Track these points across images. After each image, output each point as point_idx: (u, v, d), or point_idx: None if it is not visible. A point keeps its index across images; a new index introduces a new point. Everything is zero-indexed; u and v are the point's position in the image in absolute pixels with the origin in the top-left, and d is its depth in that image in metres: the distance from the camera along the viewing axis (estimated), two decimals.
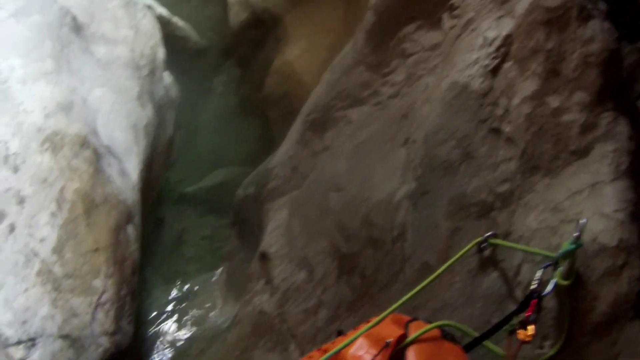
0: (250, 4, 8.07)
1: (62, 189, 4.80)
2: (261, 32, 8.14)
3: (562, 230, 3.31)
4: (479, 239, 3.52)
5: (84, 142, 5.07)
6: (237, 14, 8.34)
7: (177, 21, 8.07)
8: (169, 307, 6.34)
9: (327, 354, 2.73)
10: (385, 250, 4.21)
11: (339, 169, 4.85)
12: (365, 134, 4.86)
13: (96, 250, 4.79)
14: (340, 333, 3.10)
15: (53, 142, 4.93)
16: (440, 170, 4.07)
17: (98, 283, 4.72)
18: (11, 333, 4.40)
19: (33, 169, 4.78)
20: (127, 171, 5.41)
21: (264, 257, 5.13)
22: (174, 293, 6.53)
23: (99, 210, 4.94)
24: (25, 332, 4.41)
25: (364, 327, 2.83)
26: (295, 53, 7.49)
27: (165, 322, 6.21)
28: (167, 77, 6.96)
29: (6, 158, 4.77)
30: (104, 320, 4.70)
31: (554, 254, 3.10)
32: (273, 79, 7.75)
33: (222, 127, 8.37)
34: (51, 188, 4.78)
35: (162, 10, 7.72)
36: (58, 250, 4.64)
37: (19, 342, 4.39)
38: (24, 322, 4.42)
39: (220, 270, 6.50)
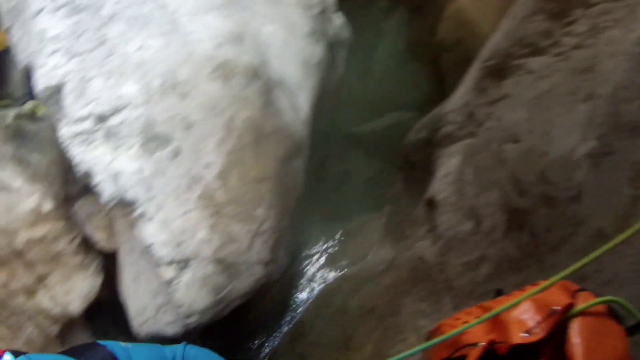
0: None
1: (231, 117, 4.83)
2: None
3: None
4: None
5: (255, 74, 5.08)
6: None
7: None
8: (324, 244, 6.35)
9: (491, 312, 2.65)
10: (559, 211, 4.04)
11: (516, 119, 4.67)
12: (545, 85, 4.63)
13: (261, 179, 4.82)
14: (499, 292, 3.01)
15: (224, 72, 4.95)
16: (625, 131, 3.87)
17: (260, 212, 4.76)
18: (165, 253, 4.53)
19: (202, 96, 4.83)
20: (297, 106, 5.40)
21: (431, 203, 5.04)
22: (331, 231, 6.53)
23: (267, 140, 4.96)
24: (180, 254, 4.53)
25: (530, 289, 2.71)
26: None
27: (319, 259, 6.23)
28: (338, 18, 6.86)
29: (174, 86, 4.82)
30: (260, 249, 4.76)
31: None
32: (446, 25, 7.55)
33: (392, 71, 8.25)
34: (220, 116, 4.81)
35: None
36: (223, 176, 4.69)
37: (171, 262, 4.51)
38: (180, 244, 4.53)
39: (381, 212, 6.42)
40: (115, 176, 4.54)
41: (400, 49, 8.53)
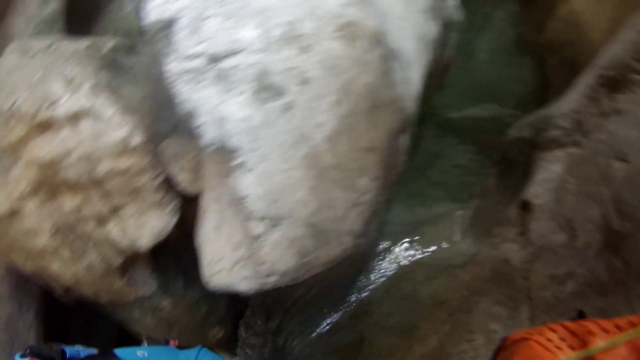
0: None
1: (350, 80, 4.66)
2: None
3: None
4: None
5: (377, 39, 4.93)
6: None
7: None
8: (404, 227, 6.26)
9: (582, 352, 2.51)
10: None
11: (628, 137, 4.52)
12: None
13: (370, 149, 4.66)
14: (581, 315, 2.88)
15: (348, 32, 4.79)
16: None
17: (363, 182, 4.63)
18: (258, 207, 4.40)
19: (323, 54, 4.67)
20: (410, 80, 5.23)
21: (526, 206, 4.92)
22: (413, 214, 6.43)
23: (382, 110, 4.78)
24: (274, 211, 4.40)
25: (621, 323, 2.56)
26: (583, 3, 7.05)
27: (397, 240, 6.15)
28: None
29: (295, 38, 4.68)
30: (355, 220, 4.63)
31: None
32: (556, 25, 7.36)
33: (495, 62, 8.08)
34: (339, 76, 4.65)
35: None
36: (332, 140, 4.53)
37: (263, 218, 4.41)
38: (276, 201, 4.41)
39: (468, 204, 6.32)
40: (221, 120, 4.44)
41: (506, 41, 8.36)
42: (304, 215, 4.41)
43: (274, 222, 4.36)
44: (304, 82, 4.45)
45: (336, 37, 4.60)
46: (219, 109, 4.41)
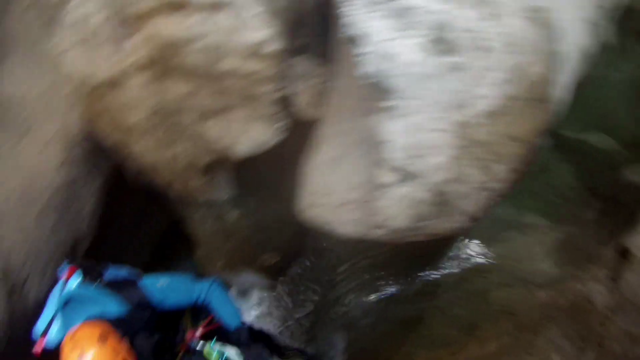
0: None
1: (525, 64, 4.47)
2: None
3: None
4: None
5: (559, 36, 4.74)
6: None
7: None
8: (493, 225, 6.12)
9: None
10: None
11: None
12: None
13: (519, 140, 4.49)
14: None
15: (538, 16, 4.60)
16: None
17: (499, 169, 4.45)
18: (395, 157, 4.27)
19: (508, 27, 4.38)
20: (566, 87, 5.10)
21: (625, 253, 4.77)
22: (505, 215, 6.31)
23: (540, 105, 4.57)
24: (409, 166, 4.27)
25: None
26: None
27: (483, 236, 6.04)
28: (611, 26, 6.54)
29: (487, 2, 4.53)
30: (478, 203, 4.47)
31: None
32: None
33: (624, 98, 7.89)
34: (516, 56, 4.41)
35: None
36: (490, 116, 4.33)
37: (395, 170, 4.29)
38: (414, 157, 4.26)
39: (560, 227, 6.19)
40: (388, 57, 4.27)
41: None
42: (436, 181, 4.28)
43: (405, 177, 4.23)
44: (482, 49, 4.29)
45: (525, 17, 4.44)
46: (388, 44, 4.24)
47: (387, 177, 4.25)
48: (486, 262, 5.79)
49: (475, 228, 5.88)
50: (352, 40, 4.32)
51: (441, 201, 4.33)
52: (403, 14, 4.30)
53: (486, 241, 5.89)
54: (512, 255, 5.83)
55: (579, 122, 7.17)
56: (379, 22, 4.30)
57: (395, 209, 4.29)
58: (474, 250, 5.85)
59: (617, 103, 7.48)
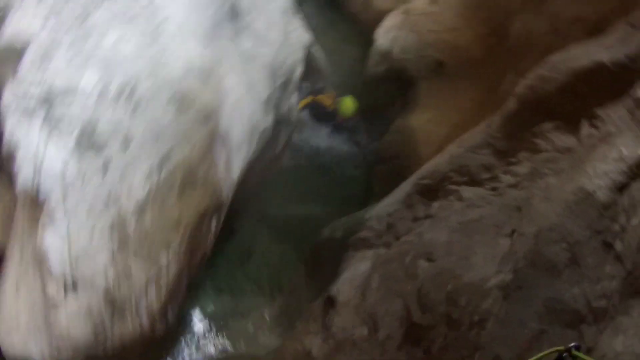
0: (391, 58, 8.01)
1: (170, 150, 4.64)
2: (392, 90, 8.12)
3: None
4: (561, 347, 3.31)
5: (208, 115, 4.93)
6: (375, 64, 8.32)
7: (317, 51, 8.00)
8: (213, 317, 6.18)
9: None
10: (460, 333, 4.02)
11: (436, 239, 4.70)
12: (474, 215, 4.72)
13: (176, 226, 4.62)
14: None
15: (181, 102, 4.78)
16: (542, 269, 3.95)
17: (164, 257, 4.55)
18: (59, 267, 4.28)
19: (151, 118, 4.61)
20: (232, 166, 5.24)
21: (331, 301, 4.95)
22: (222, 305, 6.37)
23: (195, 187, 4.78)
24: (74, 273, 4.28)
25: None
26: (420, 120, 7.41)
27: (205, 329, 6.06)
28: (294, 98, 6.86)
29: (130, 95, 4.61)
30: (153, 296, 4.53)
31: None
32: (390, 137, 7.70)
33: (327, 166, 8.26)
34: (162, 144, 4.60)
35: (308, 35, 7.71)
36: (141, 209, 4.46)
37: (62, 280, 4.26)
38: (77, 263, 4.29)
39: (276, 299, 6.33)
40: (39, 165, 4.29)
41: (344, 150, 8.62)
42: (104, 284, 4.27)
43: (73, 286, 4.19)
44: (126, 142, 4.41)
45: (169, 104, 4.60)
46: (40, 152, 4.29)
47: (56, 290, 4.21)
48: (215, 356, 5.84)
49: (195, 326, 5.95)
50: (11, 154, 4.33)
51: (115, 303, 4.32)
52: (55, 118, 4.36)
53: (209, 336, 5.92)
54: (235, 340, 5.90)
55: (287, 197, 7.44)
56: (32, 130, 4.34)
57: (72, 323, 4.23)
58: (201, 348, 5.87)
59: (322, 173, 7.88)
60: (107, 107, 4.52)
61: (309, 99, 8.36)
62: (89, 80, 4.54)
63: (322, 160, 8.33)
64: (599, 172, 4.15)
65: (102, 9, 4.86)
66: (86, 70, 4.56)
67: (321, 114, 8.50)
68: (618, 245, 3.88)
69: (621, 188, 4.10)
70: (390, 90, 8.19)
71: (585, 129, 4.59)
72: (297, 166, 8.00)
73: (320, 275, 5.83)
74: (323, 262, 5.98)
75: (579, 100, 4.68)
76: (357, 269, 5.11)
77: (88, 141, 4.41)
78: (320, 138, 8.55)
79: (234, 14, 5.82)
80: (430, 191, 5.21)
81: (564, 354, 3.31)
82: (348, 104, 8.34)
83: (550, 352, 3.28)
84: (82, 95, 4.49)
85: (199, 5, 5.42)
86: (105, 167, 4.40)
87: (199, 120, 4.84)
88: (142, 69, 4.70)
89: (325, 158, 8.37)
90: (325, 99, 8.42)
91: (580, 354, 3.29)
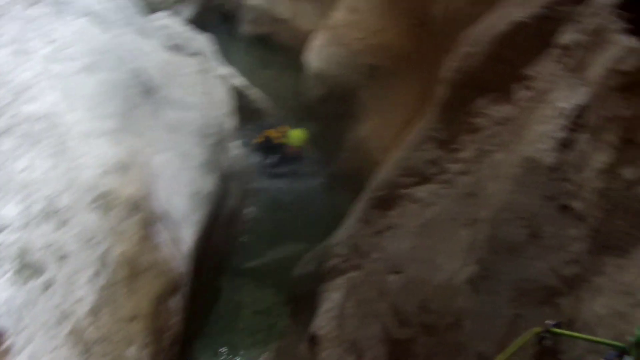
0: (326, 78, 7.95)
1: (107, 250, 4.57)
2: (336, 107, 8.04)
3: (632, 316, 2.99)
4: (537, 329, 3.18)
5: (136, 206, 4.88)
6: (312, 88, 8.29)
7: (254, 93, 7.96)
8: None
9: None
10: (439, 338, 3.89)
11: (401, 249, 4.56)
12: (430, 213, 4.56)
13: (134, 318, 4.52)
14: None
15: (104, 202, 4.73)
16: (504, 253, 3.78)
17: (131, 352, 4.45)
18: None
19: (79, 226, 4.57)
20: (181, 239, 5.20)
21: (313, 340, 4.82)
22: None
23: (143, 276, 4.71)
24: None
25: None
26: (369, 128, 7.34)
27: None
28: (236, 148, 6.79)
29: (54, 212, 4.56)
30: None
31: (622, 344, 2.73)
32: (345, 154, 7.63)
33: (293, 203, 8.21)
34: (96, 248, 4.55)
35: (239, 81, 7.64)
36: (94, 313, 4.37)
37: None
38: None
39: (271, 349, 6.22)
40: None
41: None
42: None
43: None
44: (63, 257, 4.34)
45: (92, 209, 4.56)
46: None
47: None
48: None
49: None
50: None
51: None
52: None
53: None
54: None
55: (265, 243, 7.37)
56: None
57: None
58: None
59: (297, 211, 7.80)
60: (35, 230, 4.42)
61: (262, 137, 8.49)
62: (12, 209, 4.45)
63: (287, 199, 8.31)
64: (539, 135, 3.94)
65: (4, 137, 4.78)
66: (7, 203, 4.47)
67: (272, 148, 8.55)
68: (576, 204, 3.63)
69: (565, 144, 3.87)
70: (333, 107, 8.11)
71: (520, 93, 4.39)
72: (266, 211, 7.96)
73: (302, 314, 5.68)
74: (302, 299, 5.85)
75: (507, 66, 4.50)
76: (331, 299, 4.97)
77: (26, 267, 4.31)
78: (280, 179, 8.58)
79: (147, 91, 5.78)
80: (385, 201, 5.05)
81: (544, 334, 3.17)
82: (297, 135, 8.45)
83: (527, 338, 3.18)
84: (9, 225, 4.40)
85: (102, 101, 5.35)
86: (49, 285, 4.30)
87: (127, 213, 4.78)
88: (58, 185, 4.63)
89: (289, 196, 8.34)
90: (275, 133, 8.49)
91: (559, 330, 3.14)
